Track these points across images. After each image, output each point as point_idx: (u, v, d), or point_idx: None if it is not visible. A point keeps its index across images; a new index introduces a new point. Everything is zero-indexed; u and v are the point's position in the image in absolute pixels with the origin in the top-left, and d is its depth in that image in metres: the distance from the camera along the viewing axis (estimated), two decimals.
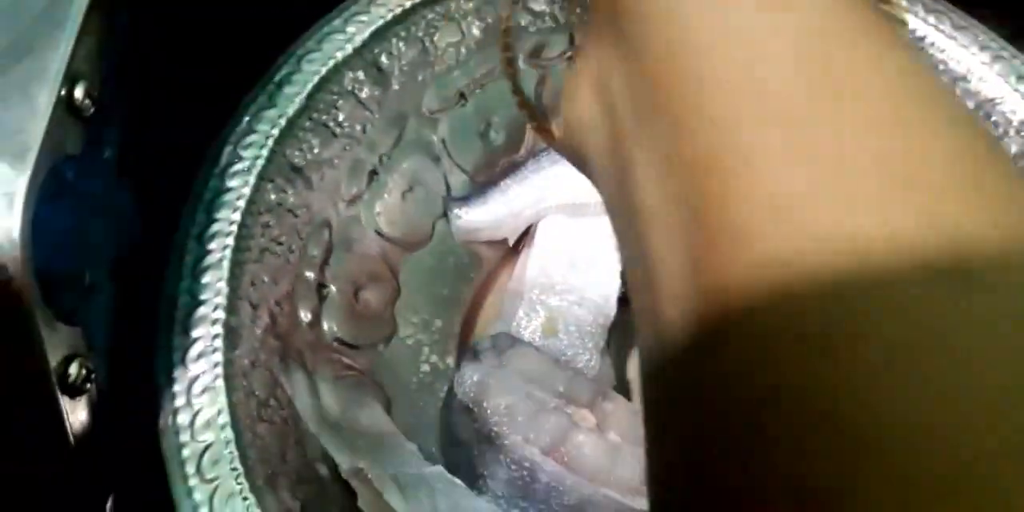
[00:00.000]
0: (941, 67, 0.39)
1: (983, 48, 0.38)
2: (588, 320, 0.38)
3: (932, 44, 0.39)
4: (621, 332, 0.42)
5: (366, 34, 0.39)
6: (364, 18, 0.40)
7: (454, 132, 0.43)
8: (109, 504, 0.32)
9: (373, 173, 0.41)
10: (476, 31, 0.42)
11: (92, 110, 0.29)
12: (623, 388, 0.40)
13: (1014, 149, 0.37)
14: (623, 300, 0.40)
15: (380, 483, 0.33)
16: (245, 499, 0.30)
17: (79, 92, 0.28)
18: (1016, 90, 0.37)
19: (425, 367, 0.40)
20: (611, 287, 0.39)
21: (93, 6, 0.30)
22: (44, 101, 0.27)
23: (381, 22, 0.40)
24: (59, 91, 0.27)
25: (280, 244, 0.36)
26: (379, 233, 0.41)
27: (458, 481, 0.35)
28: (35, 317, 0.26)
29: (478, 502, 0.34)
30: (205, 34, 0.42)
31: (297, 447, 0.33)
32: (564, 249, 0.40)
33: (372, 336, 0.40)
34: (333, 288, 0.38)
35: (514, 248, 0.43)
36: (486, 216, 0.42)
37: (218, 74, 0.39)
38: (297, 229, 0.37)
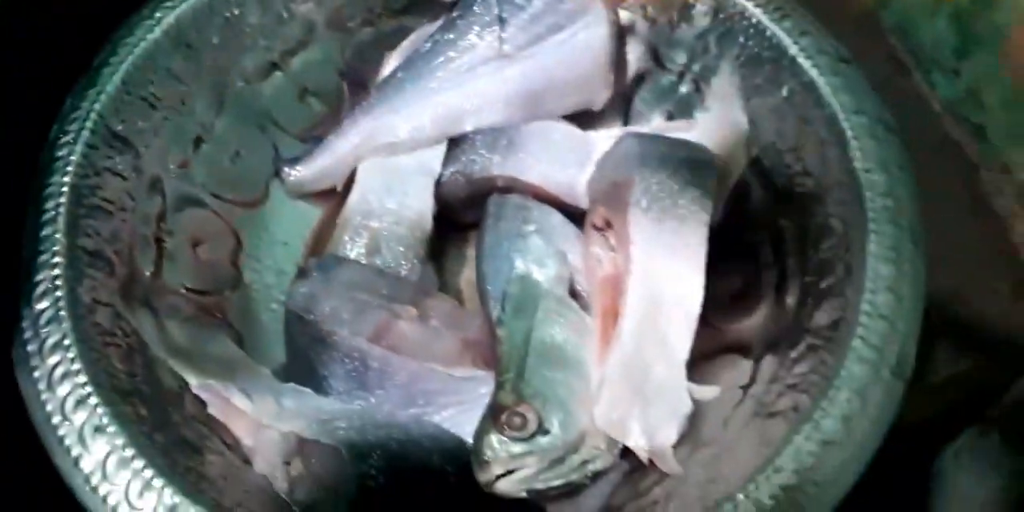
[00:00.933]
0: None
1: None
2: (407, 235, 0.43)
3: None
4: (453, 249, 0.46)
5: (172, 17, 0.44)
6: (170, 4, 0.45)
7: (274, 100, 0.48)
8: None
9: (198, 140, 0.45)
10: (278, 5, 0.47)
11: None
12: (456, 296, 0.44)
13: (741, 39, 0.43)
14: (437, 218, 0.44)
15: (228, 392, 0.37)
16: (92, 404, 0.33)
17: None
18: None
19: (274, 305, 0.44)
20: (424, 205, 0.44)
21: None
22: None
23: (185, 6, 0.45)
24: None
25: (112, 203, 0.40)
26: (214, 195, 0.45)
27: (304, 388, 0.39)
28: None
29: (321, 400, 0.38)
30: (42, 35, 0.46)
31: (145, 367, 0.37)
32: (381, 180, 0.45)
33: (218, 284, 0.44)
34: (172, 243, 0.43)
35: (343, 194, 0.47)
36: (314, 170, 0.47)
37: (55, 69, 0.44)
38: (128, 191, 0.41)
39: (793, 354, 0.35)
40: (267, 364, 0.42)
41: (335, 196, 0.48)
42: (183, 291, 0.42)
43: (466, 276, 0.46)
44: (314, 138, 0.48)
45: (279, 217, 0.47)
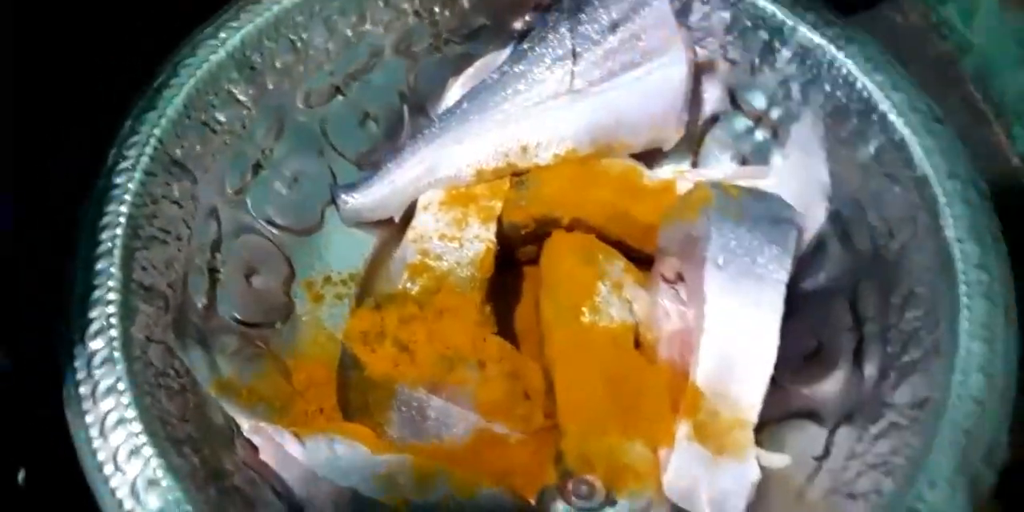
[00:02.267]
0: (760, 22, 0.43)
1: (795, 2, 0.43)
2: (468, 277, 0.41)
3: (750, 4, 0.43)
4: (506, 292, 0.45)
5: (237, 38, 0.43)
6: (235, 24, 0.43)
7: (334, 124, 0.47)
8: (20, 477, 0.34)
9: (257, 166, 0.44)
10: (345, 29, 0.46)
11: None
12: (511, 340, 0.43)
13: (827, 88, 0.41)
14: (501, 263, 0.43)
15: (280, 437, 0.36)
16: (147, 455, 0.32)
17: None
18: (824, 36, 0.42)
19: (324, 339, 0.43)
20: (487, 244, 0.42)
21: None
22: None
23: (251, 26, 0.43)
24: None
25: (168, 232, 0.39)
26: (269, 222, 0.44)
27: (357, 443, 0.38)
28: None
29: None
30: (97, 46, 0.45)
31: (197, 409, 0.36)
32: (442, 216, 0.43)
33: (269, 315, 0.43)
34: (225, 273, 0.41)
35: (401, 224, 0.46)
36: (371, 199, 0.46)
37: (110, 84, 0.43)
38: (184, 219, 0.40)
39: (873, 430, 0.34)
40: (316, 402, 0.41)
41: (391, 226, 0.46)
42: (234, 324, 0.41)
43: (521, 314, 0.45)
44: (371, 164, 0.47)
45: (333, 245, 0.46)
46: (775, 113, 0.43)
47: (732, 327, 0.36)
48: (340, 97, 0.47)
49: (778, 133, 0.43)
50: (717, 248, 0.37)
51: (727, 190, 0.39)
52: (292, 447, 0.36)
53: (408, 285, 0.41)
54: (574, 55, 0.44)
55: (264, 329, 0.42)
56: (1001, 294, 0.34)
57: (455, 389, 0.37)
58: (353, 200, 0.46)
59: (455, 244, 0.43)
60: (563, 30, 0.45)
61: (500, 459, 0.36)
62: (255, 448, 0.36)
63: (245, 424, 0.37)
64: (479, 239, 0.43)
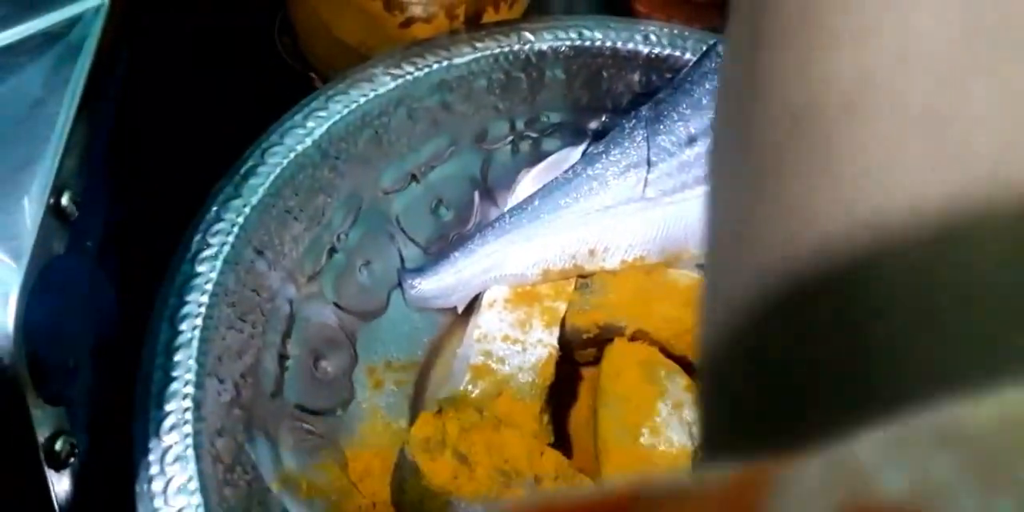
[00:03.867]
0: None
1: None
2: (530, 383, 0.42)
3: None
4: (561, 392, 0.45)
5: (324, 128, 0.44)
6: (323, 114, 0.44)
7: (407, 210, 0.48)
8: None
9: (332, 251, 0.45)
10: (426, 120, 0.47)
11: (77, 214, 0.33)
12: (563, 446, 0.44)
13: None
14: (559, 363, 0.44)
15: None
16: None
17: (65, 200, 0.32)
18: None
19: (380, 428, 0.44)
20: (550, 350, 0.43)
21: (78, 121, 0.34)
22: (35, 210, 0.31)
23: (338, 117, 0.44)
24: (48, 200, 0.31)
25: (244, 321, 0.40)
26: (337, 305, 0.45)
27: None
28: (26, 400, 0.30)
29: None
30: (182, 127, 0.46)
31: (260, 507, 0.37)
32: (507, 316, 0.44)
33: (331, 402, 0.43)
34: (294, 359, 0.42)
35: (463, 315, 0.46)
36: (437, 286, 0.46)
37: (191, 167, 0.44)
38: (260, 306, 0.41)
39: None
40: (371, 496, 0.41)
41: (454, 315, 0.47)
42: (297, 412, 0.42)
43: (576, 418, 0.46)
44: (439, 250, 0.48)
45: (395, 331, 0.47)
46: None
47: None
48: (415, 184, 0.48)
49: None
50: None
51: None
52: None
53: (470, 387, 0.42)
54: (649, 163, 0.45)
55: (325, 417, 0.43)
56: None
57: (512, 507, 0.37)
58: (420, 285, 0.47)
59: (518, 347, 0.43)
60: (640, 138, 0.46)
61: None
62: None
63: None
64: (542, 344, 0.43)
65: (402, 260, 0.48)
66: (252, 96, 0.46)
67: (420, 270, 0.47)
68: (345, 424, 0.43)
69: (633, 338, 0.44)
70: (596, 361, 0.45)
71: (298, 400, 0.42)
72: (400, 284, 0.47)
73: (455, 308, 0.47)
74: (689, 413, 0.41)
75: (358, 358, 0.45)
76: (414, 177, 0.48)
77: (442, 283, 0.46)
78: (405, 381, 0.46)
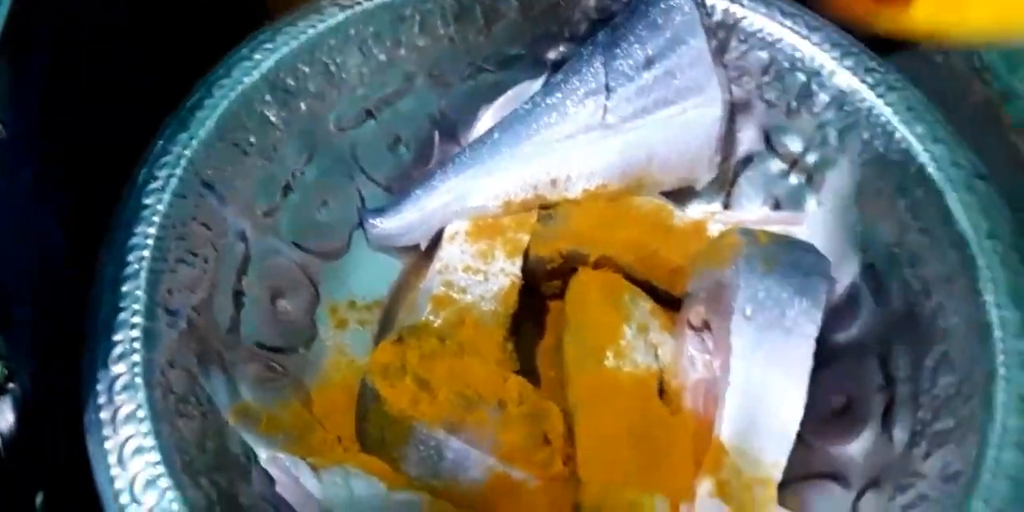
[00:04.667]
0: (798, 64, 0.42)
1: (834, 45, 0.42)
2: (492, 311, 0.41)
3: (788, 44, 0.43)
4: (528, 326, 0.44)
5: (271, 61, 0.43)
6: (270, 46, 0.43)
7: (364, 148, 0.47)
8: (39, 500, 0.34)
9: (287, 188, 0.44)
10: (379, 54, 0.46)
11: (5, 135, 0.31)
12: (530, 379, 0.43)
13: (865, 135, 0.41)
14: (525, 297, 0.43)
15: (296, 469, 0.36)
16: (163, 487, 0.32)
17: None
18: (864, 81, 0.41)
19: (345, 366, 0.43)
20: (513, 279, 0.42)
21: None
22: None
23: (286, 49, 0.43)
24: None
25: (195, 255, 0.39)
26: (296, 245, 0.44)
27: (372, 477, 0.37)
28: None
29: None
30: (127, 66, 0.45)
31: (216, 438, 0.36)
32: (469, 248, 0.43)
33: (291, 340, 0.42)
34: (250, 296, 0.41)
35: (427, 252, 0.45)
36: (398, 224, 0.45)
37: (141, 101, 0.42)
38: (212, 242, 0.40)
39: (901, 499, 0.33)
40: (335, 431, 0.40)
41: (418, 253, 0.46)
42: (256, 348, 0.41)
43: (544, 350, 0.45)
44: (400, 188, 0.47)
45: (358, 270, 0.46)
46: (811, 158, 0.43)
47: (758, 382, 0.36)
48: (372, 121, 0.47)
49: (813, 179, 0.43)
50: (745, 299, 0.36)
51: (757, 238, 0.38)
52: (308, 480, 0.36)
53: (431, 317, 0.41)
54: (608, 89, 0.44)
55: (287, 354, 0.42)
56: None
57: (473, 431, 0.36)
58: (381, 225, 0.46)
59: (480, 277, 0.42)
60: (597, 64, 0.44)
61: (515, 505, 0.36)
62: (271, 479, 0.36)
63: (263, 454, 0.36)
64: (504, 273, 0.42)
65: (362, 199, 0.47)
66: (207, 33, 0.44)
67: (381, 210, 0.46)
68: (308, 362, 0.42)
69: (597, 265, 0.43)
70: (562, 294, 0.44)
71: (257, 337, 0.41)
72: (361, 224, 0.46)
73: (418, 246, 0.46)
74: (655, 336, 0.40)
75: (320, 297, 0.44)
76: (370, 113, 0.46)
77: (404, 221, 0.45)
78: (369, 320, 0.45)
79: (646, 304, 0.41)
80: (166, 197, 0.39)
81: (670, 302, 0.43)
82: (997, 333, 0.33)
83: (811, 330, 0.36)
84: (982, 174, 0.37)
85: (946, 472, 0.32)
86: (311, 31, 0.43)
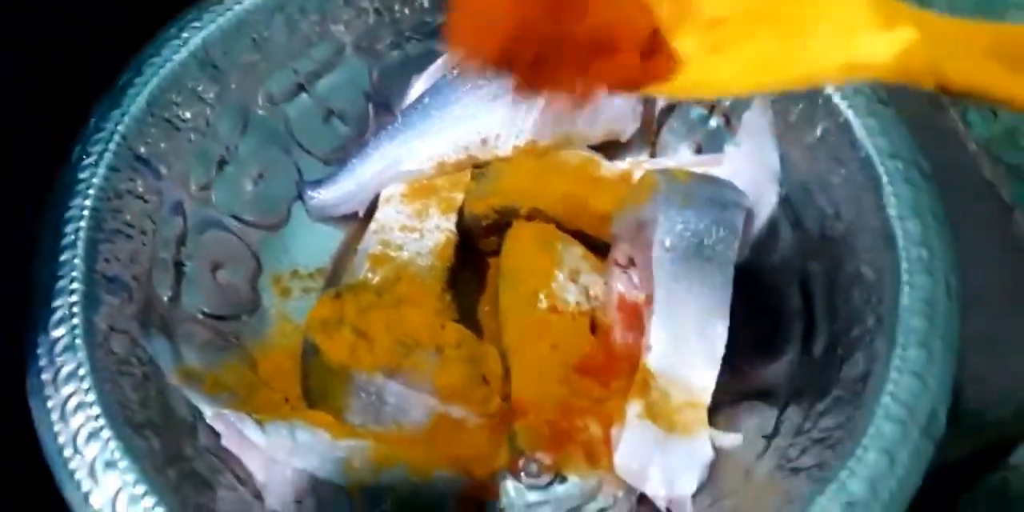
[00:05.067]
0: None
1: None
2: (428, 266, 0.42)
3: None
4: (467, 283, 0.46)
5: (199, 38, 0.44)
6: (197, 24, 0.44)
7: (299, 121, 0.48)
8: None
9: (222, 162, 0.45)
10: (306, 27, 0.47)
11: None
12: (473, 326, 0.44)
13: None
14: (463, 254, 0.44)
15: (241, 423, 0.37)
16: (105, 438, 0.33)
17: None
18: None
19: (290, 331, 0.44)
20: (448, 235, 0.43)
21: None
22: None
23: (213, 26, 0.44)
24: None
25: (132, 227, 0.40)
26: (235, 217, 0.45)
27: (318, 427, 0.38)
28: None
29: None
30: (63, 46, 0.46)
31: (159, 396, 0.37)
32: (403, 208, 0.44)
33: (234, 309, 0.43)
34: (191, 267, 0.42)
35: (366, 219, 0.46)
36: (336, 194, 0.47)
37: (76, 85, 0.43)
38: (149, 214, 0.41)
39: (820, 406, 0.34)
40: (281, 392, 0.41)
41: (357, 221, 0.47)
42: (200, 316, 0.42)
43: (484, 304, 0.46)
44: (338, 161, 0.48)
45: (299, 241, 0.47)
46: (727, 101, 0.44)
47: (682, 307, 0.37)
48: (304, 95, 0.48)
49: (730, 121, 0.44)
50: (664, 231, 0.37)
51: (675, 176, 0.40)
52: (253, 433, 0.37)
53: (369, 275, 0.42)
54: None
55: (231, 322, 0.43)
56: (942, 270, 0.35)
57: (412, 374, 0.37)
58: (319, 196, 0.47)
59: (416, 234, 0.43)
60: None
61: (457, 443, 0.37)
62: (217, 434, 0.37)
63: (208, 411, 0.37)
64: (439, 229, 0.44)
65: (300, 173, 0.48)
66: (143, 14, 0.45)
67: (318, 182, 0.47)
68: (252, 328, 0.43)
69: (530, 217, 0.44)
70: (499, 250, 0.45)
71: (199, 305, 0.42)
72: (300, 196, 0.47)
73: (357, 214, 0.47)
74: (585, 277, 0.41)
75: (262, 267, 0.45)
76: (301, 87, 0.48)
77: (341, 191, 0.47)
78: (313, 288, 0.46)
79: (577, 250, 0.43)
80: (100, 171, 0.40)
81: (603, 249, 0.44)
82: (900, 242, 0.35)
83: (730, 256, 0.37)
84: (883, 100, 0.39)
85: (857, 375, 0.33)
86: (237, 7, 0.45)
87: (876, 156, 0.37)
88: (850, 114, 0.39)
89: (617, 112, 0.45)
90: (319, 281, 0.46)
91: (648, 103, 0.46)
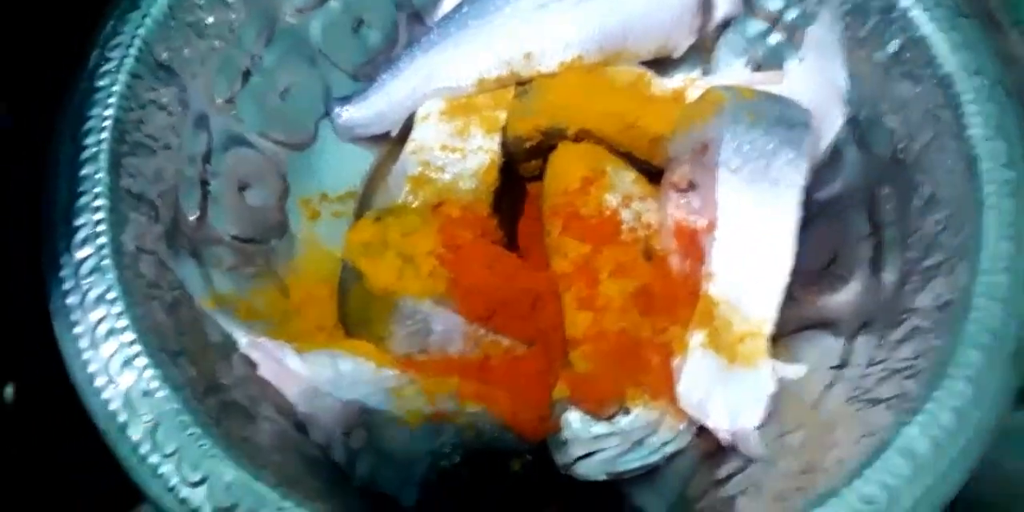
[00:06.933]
0: None
1: None
2: (472, 189, 0.40)
3: None
4: (508, 209, 0.43)
5: None
6: None
7: (326, 31, 0.45)
8: (9, 392, 0.33)
9: (247, 74, 0.42)
10: None
11: None
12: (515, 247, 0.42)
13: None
14: (502, 173, 0.41)
15: (280, 352, 0.35)
16: (141, 366, 0.31)
17: None
18: None
19: (321, 256, 0.42)
20: (492, 156, 0.41)
21: None
22: None
23: None
24: None
25: (156, 140, 0.37)
26: (261, 134, 0.42)
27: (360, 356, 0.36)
28: None
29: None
30: None
31: (192, 324, 0.34)
32: (443, 128, 0.42)
33: (263, 231, 0.41)
34: (216, 186, 0.39)
35: (399, 140, 0.44)
36: (366, 113, 0.44)
37: None
38: (173, 126, 0.38)
39: (894, 336, 0.33)
40: (315, 320, 0.39)
41: (389, 141, 0.44)
42: (228, 238, 0.39)
43: (524, 231, 0.43)
44: (367, 77, 0.45)
45: (328, 162, 0.44)
46: (790, 14, 0.41)
47: (746, 233, 0.35)
48: (332, 2, 0.44)
49: (794, 36, 0.41)
50: (730, 152, 0.35)
51: (740, 93, 0.37)
52: (293, 362, 0.35)
53: (409, 198, 0.40)
54: None
55: (259, 245, 0.40)
56: None
57: (460, 298, 0.35)
58: (348, 113, 0.44)
59: (458, 155, 0.41)
60: None
61: (508, 371, 0.35)
62: (253, 364, 0.35)
63: (242, 339, 0.35)
64: (483, 150, 0.41)
65: (327, 88, 0.45)
66: None
67: (347, 98, 0.44)
68: (281, 253, 0.41)
69: (577, 139, 0.41)
70: (541, 175, 0.43)
71: (227, 227, 0.39)
72: (327, 113, 0.44)
73: (389, 134, 0.44)
74: (638, 204, 0.39)
75: (290, 189, 0.43)
76: None
77: (371, 109, 0.44)
78: (343, 212, 0.44)
79: (629, 174, 0.40)
80: (121, 78, 0.37)
81: (652, 173, 0.41)
82: (984, 164, 0.33)
83: (798, 181, 0.35)
84: (965, 13, 0.36)
85: (938, 303, 0.32)
86: None
87: (958, 72, 0.35)
88: (930, 28, 0.36)
89: (671, 25, 0.42)
90: (349, 205, 0.44)
91: (704, 16, 0.42)
